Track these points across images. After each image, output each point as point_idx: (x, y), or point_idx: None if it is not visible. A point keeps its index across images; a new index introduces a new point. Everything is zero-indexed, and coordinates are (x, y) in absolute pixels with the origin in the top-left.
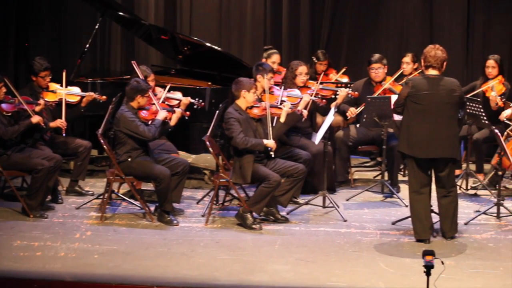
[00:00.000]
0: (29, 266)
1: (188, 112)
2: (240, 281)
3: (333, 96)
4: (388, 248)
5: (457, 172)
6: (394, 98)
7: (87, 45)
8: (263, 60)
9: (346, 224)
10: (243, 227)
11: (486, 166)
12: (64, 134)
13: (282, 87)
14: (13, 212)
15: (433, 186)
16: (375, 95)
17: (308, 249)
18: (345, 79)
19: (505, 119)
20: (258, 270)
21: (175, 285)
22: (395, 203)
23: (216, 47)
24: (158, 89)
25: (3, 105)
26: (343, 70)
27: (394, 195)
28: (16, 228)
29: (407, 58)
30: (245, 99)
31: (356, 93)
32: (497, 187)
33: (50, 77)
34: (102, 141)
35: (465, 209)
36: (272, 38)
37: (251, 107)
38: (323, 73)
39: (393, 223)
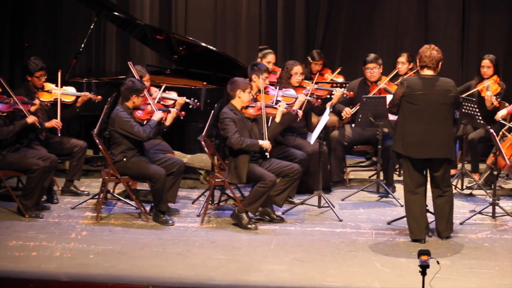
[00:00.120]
0: (25, 266)
1: (183, 112)
2: (235, 281)
3: (328, 96)
4: (384, 248)
5: (453, 172)
6: (389, 98)
7: (82, 45)
8: (258, 60)
9: (341, 224)
10: (238, 227)
11: (482, 166)
12: (59, 134)
13: (277, 87)
14: (8, 212)
15: (429, 186)
16: (370, 95)
17: (304, 249)
18: (340, 79)
19: (500, 119)
20: (254, 270)
21: (170, 285)
22: (391, 203)
23: (211, 47)
24: (153, 89)
25: None
26: (338, 70)
27: (390, 195)
28: (11, 228)
29: (402, 58)
30: (240, 99)
31: (351, 93)
32: (492, 186)
33: (45, 77)
34: (97, 141)
35: (461, 208)
36: (267, 38)
37: (246, 107)
38: (318, 73)
39: (389, 223)
